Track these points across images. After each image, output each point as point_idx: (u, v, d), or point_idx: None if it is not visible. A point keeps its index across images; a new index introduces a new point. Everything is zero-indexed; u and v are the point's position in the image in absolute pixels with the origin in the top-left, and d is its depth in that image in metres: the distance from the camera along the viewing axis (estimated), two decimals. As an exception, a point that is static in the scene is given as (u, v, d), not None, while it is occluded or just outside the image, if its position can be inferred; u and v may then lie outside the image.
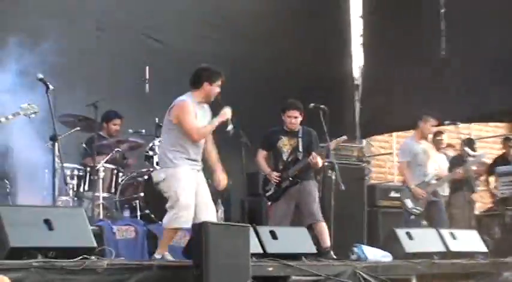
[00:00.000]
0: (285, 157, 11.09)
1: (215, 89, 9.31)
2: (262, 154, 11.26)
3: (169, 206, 9.09)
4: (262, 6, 14.41)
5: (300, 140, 11.03)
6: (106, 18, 12.85)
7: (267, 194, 11.19)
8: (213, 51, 13.03)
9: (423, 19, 15.03)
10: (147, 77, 11.49)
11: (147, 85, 11.43)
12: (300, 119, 11.06)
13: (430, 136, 13.02)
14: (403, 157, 12.56)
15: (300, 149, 11.01)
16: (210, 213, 9.28)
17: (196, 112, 9.17)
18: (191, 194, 9.10)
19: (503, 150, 14.87)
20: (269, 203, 11.45)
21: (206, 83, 9.26)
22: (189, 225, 8.93)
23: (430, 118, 12.28)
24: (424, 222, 12.16)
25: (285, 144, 11.12)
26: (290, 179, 10.93)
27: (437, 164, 12.35)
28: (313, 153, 10.80)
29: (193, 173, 9.22)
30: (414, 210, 12.04)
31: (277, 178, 10.99)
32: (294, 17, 14.65)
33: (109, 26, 12.88)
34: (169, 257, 9.10)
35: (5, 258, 7.55)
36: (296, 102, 11.10)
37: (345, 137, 11.37)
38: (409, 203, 12.07)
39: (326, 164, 11.11)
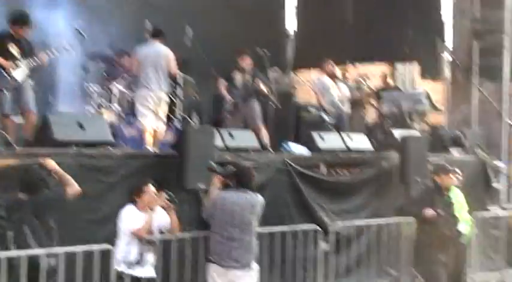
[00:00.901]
0: (238, 85, 10.84)
1: None
2: (222, 82, 10.91)
3: None
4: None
5: (248, 76, 10.78)
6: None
7: (226, 109, 10.89)
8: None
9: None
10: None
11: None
12: (250, 65, 10.84)
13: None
14: (317, 86, 12.51)
15: (250, 80, 10.78)
16: None
17: None
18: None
19: (384, 84, 14.95)
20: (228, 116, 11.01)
21: None
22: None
23: (329, 61, 12.34)
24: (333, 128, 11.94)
25: (238, 78, 10.85)
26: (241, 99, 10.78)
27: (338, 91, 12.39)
28: (259, 82, 10.66)
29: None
30: (327, 119, 12.11)
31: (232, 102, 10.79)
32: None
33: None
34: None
35: (51, 147, 7.65)
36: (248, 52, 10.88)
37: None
38: (324, 115, 12.16)
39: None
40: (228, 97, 10.82)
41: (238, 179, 6.95)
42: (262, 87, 10.73)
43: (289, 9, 15.35)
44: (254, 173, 7.16)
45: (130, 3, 12.33)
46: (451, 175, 9.04)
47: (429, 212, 8.77)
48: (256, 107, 10.84)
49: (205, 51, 10.86)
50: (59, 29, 10.33)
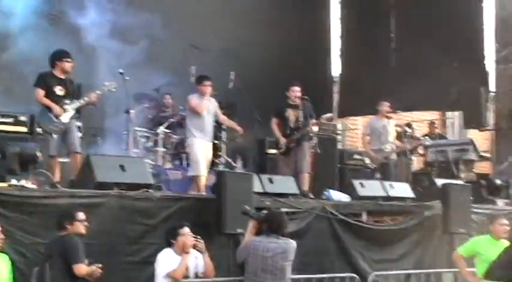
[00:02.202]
0: (291, 124, 10.74)
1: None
2: (275, 121, 10.85)
3: None
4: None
5: (300, 112, 10.71)
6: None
7: (280, 150, 10.80)
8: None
9: (381, 30, 14.75)
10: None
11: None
12: (300, 94, 10.72)
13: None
14: (365, 130, 12.58)
15: (301, 118, 10.68)
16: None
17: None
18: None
19: (429, 130, 14.91)
20: (280, 157, 10.91)
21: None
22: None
23: (385, 103, 12.22)
24: (378, 176, 11.99)
25: (290, 115, 10.74)
26: (296, 141, 10.66)
27: (391, 137, 12.28)
28: (312, 123, 10.60)
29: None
30: (369, 166, 12.15)
31: (286, 140, 10.66)
32: (289, 26, 14.14)
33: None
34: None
35: (93, 189, 7.87)
36: (298, 81, 10.88)
37: (331, 114, 11.48)
38: (367, 161, 12.19)
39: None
40: (282, 140, 10.76)
41: (270, 224, 7.04)
42: (314, 128, 10.69)
43: (334, 54, 15.43)
44: (286, 219, 7.24)
45: (177, 47, 12.60)
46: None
47: None
48: (308, 150, 10.74)
49: (249, 95, 11.04)
50: (104, 71, 10.57)
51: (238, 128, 10.42)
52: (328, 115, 11.61)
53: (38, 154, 8.07)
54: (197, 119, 9.98)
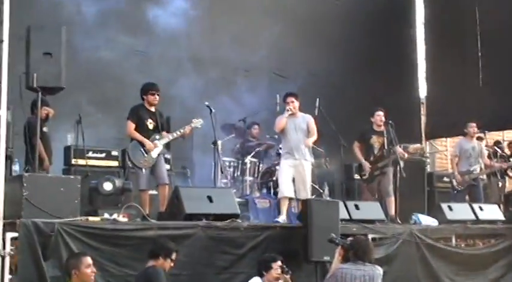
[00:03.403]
0: (375, 151, 10.70)
1: None
2: (357, 145, 10.85)
3: None
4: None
5: (385, 138, 10.57)
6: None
7: (364, 177, 10.79)
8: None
9: (467, 49, 14.43)
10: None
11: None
12: (384, 119, 10.61)
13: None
14: (454, 152, 12.55)
15: (386, 146, 10.54)
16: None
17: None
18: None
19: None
20: (364, 184, 10.95)
21: None
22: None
23: (472, 124, 12.17)
24: (467, 198, 11.90)
25: (375, 141, 10.71)
26: (380, 169, 10.58)
27: (483, 158, 12.21)
28: (399, 150, 10.41)
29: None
30: (458, 187, 11.95)
31: (370, 168, 10.61)
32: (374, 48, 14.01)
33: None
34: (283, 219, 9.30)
35: (182, 220, 8.07)
36: (381, 106, 10.83)
37: (419, 145, 11.48)
38: (454, 183, 12.01)
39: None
40: (366, 165, 10.70)
41: (355, 251, 7.07)
42: (401, 153, 10.48)
43: (421, 75, 15.33)
44: (371, 245, 7.24)
45: (262, 77, 12.82)
46: None
47: None
48: (392, 176, 10.59)
49: (335, 121, 11.09)
50: (192, 104, 10.86)
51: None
52: (417, 146, 11.53)
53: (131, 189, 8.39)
54: (284, 138, 9.84)
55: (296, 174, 9.63)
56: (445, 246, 9.82)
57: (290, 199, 9.62)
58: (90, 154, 10.12)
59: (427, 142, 15.54)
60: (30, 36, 7.73)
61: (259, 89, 12.32)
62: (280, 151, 10.05)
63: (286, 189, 9.57)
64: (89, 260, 6.23)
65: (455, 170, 12.17)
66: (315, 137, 9.87)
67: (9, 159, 7.88)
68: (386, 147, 10.53)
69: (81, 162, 10.03)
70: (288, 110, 9.73)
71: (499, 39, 14.00)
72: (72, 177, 7.98)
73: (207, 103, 9.73)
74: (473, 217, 10.55)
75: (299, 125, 9.78)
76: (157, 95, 9.18)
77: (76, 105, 10.37)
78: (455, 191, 12.00)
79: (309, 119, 9.90)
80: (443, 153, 16.77)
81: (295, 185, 9.61)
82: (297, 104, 9.84)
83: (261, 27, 12.99)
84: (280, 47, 13.14)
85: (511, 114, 13.84)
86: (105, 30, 11.22)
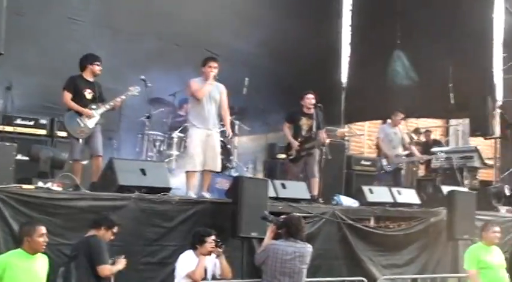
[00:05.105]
0: (303, 133, 10.76)
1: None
2: (287, 126, 10.90)
3: None
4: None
5: (313, 121, 10.62)
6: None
7: (290, 157, 10.84)
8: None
9: (386, 34, 14.74)
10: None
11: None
12: (314, 101, 10.64)
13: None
14: (379, 134, 12.94)
15: (314, 128, 10.61)
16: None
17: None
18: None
19: (425, 138, 15.36)
20: (289, 163, 10.95)
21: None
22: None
23: (399, 113, 12.59)
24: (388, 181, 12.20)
25: (303, 123, 10.77)
26: (307, 150, 10.68)
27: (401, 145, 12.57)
28: (323, 132, 10.51)
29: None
30: (387, 167, 12.29)
31: (297, 148, 10.69)
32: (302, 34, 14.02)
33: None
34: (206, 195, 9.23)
35: (115, 192, 8.08)
36: (312, 89, 10.80)
37: (345, 129, 11.83)
38: (384, 162, 12.36)
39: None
40: (295, 145, 10.70)
41: (288, 229, 7.27)
42: (325, 137, 10.57)
43: (344, 61, 15.61)
44: (304, 224, 7.46)
45: (196, 54, 12.79)
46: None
47: None
48: (317, 157, 10.65)
49: (262, 101, 11.19)
50: (126, 76, 10.77)
51: (228, 129, 9.70)
52: (343, 130, 11.83)
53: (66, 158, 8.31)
54: (195, 105, 9.34)
55: (207, 146, 9.31)
56: (365, 227, 10.07)
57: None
58: (19, 121, 9.91)
59: (345, 126, 15.85)
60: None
61: (191, 64, 12.31)
62: (189, 117, 9.51)
63: (199, 162, 9.25)
64: (42, 229, 6.23)
65: (385, 150, 12.51)
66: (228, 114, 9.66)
67: None
68: (314, 129, 10.63)
69: (8, 129, 9.79)
70: (213, 77, 9.27)
71: (418, 27, 14.37)
72: (7, 144, 7.87)
73: (143, 76, 9.68)
74: (391, 200, 10.85)
75: (213, 94, 9.39)
76: (100, 66, 9.16)
77: (5, 72, 10.11)
78: (384, 171, 12.31)
79: (223, 89, 9.51)
80: (359, 137, 17.25)
81: (206, 156, 9.30)
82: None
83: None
84: (212, 24, 13.11)
85: (425, 102, 14.34)
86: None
